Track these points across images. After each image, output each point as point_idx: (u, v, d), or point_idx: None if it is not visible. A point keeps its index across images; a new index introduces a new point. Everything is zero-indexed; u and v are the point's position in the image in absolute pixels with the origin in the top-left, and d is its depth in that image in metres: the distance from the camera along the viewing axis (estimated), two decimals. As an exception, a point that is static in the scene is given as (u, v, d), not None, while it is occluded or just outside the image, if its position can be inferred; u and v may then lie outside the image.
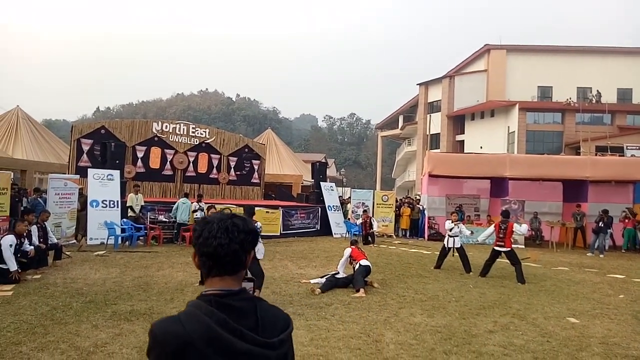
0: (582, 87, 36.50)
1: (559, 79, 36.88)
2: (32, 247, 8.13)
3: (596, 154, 24.95)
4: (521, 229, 9.94)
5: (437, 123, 39.77)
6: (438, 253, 10.72)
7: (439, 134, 40.14)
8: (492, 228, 10.05)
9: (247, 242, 1.33)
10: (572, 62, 37.32)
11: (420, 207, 18.59)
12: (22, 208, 11.37)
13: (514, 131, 34.77)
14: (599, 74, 36.05)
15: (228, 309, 1.24)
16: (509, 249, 9.40)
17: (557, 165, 17.26)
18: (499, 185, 17.71)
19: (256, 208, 15.59)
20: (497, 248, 9.58)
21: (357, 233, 16.09)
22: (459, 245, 10.17)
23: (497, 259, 9.71)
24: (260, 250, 6.55)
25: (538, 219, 17.05)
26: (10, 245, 7.35)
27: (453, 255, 10.26)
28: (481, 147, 34.43)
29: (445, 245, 10.35)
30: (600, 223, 14.30)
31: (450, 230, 10.25)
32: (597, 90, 35.08)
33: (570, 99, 34.55)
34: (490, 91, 38.26)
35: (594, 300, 7.73)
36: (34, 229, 8.59)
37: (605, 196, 16.71)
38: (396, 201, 19.68)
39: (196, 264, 1.36)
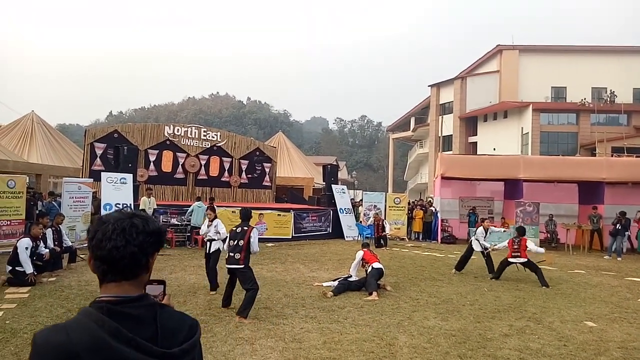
0: (597, 88, 35.82)
1: (573, 79, 36.27)
2: (47, 250, 8.25)
3: (612, 155, 24.57)
4: (535, 248, 9.67)
5: (449, 125, 39.50)
6: (459, 255, 10.57)
7: (451, 135, 39.81)
8: (505, 244, 9.78)
9: (148, 244, 1.23)
10: (586, 62, 36.65)
11: (433, 210, 18.45)
12: (37, 211, 11.51)
13: (527, 132, 34.32)
14: (614, 74, 35.35)
15: (122, 317, 1.13)
16: (525, 259, 9.26)
17: (572, 166, 17.00)
18: (513, 187, 17.49)
19: (268, 211, 15.75)
20: (512, 260, 9.35)
21: (369, 236, 16.00)
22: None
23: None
24: (254, 249, 6.18)
25: (553, 221, 16.78)
26: (26, 248, 7.46)
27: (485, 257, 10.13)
28: (494, 149, 34.03)
29: (473, 248, 10.18)
30: (618, 225, 14.02)
31: (484, 238, 10.11)
32: (611, 91, 34.49)
33: (585, 99, 34.00)
34: (503, 92, 37.78)
35: (612, 304, 7.58)
36: (49, 232, 8.71)
37: (622, 198, 16.41)
38: (408, 204, 19.56)
39: (91, 268, 1.23)
